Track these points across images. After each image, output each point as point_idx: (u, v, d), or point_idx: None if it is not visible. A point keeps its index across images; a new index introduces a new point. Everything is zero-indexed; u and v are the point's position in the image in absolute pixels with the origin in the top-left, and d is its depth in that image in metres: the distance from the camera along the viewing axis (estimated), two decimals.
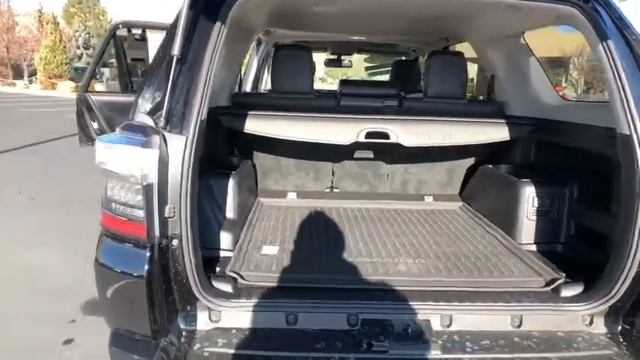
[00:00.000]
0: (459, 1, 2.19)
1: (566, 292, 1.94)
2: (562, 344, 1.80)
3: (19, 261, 3.80)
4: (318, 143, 2.65)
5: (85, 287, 3.27)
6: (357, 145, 2.70)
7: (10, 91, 29.20)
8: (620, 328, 1.84)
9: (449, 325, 1.85)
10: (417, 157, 3.07)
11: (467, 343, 1.78)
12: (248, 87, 4.31)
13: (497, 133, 2.71)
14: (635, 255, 1.67)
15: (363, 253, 2.30)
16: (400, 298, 1.88)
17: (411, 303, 1.86)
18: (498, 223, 2.67)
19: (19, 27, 36.51)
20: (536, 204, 2.46)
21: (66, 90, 27.50)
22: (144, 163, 1.49)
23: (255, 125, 2.61)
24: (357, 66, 6.04)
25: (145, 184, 1.50)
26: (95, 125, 3.73)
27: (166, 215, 1.56)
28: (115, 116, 3.77)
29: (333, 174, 3.21)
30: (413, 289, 1.95)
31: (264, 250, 2.27)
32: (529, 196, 2.47)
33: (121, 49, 3.84)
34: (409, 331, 1.78)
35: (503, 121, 2.75)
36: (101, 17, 37.74)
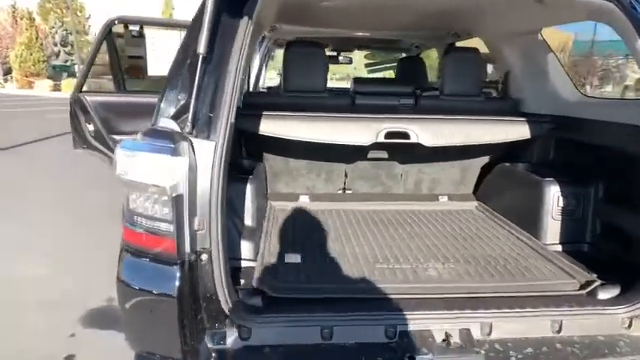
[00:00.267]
0: None
1: (604, 295, 1.88)
2: (604, 349, 1.74)
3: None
4: (331, 144, 2.55)
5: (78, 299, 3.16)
6: (371, 145, 2.61)
7: None
8: None
9: (489, 334, 1.77)
10: (431, 156, 2.99)
11: (510, 352, 1.70)
12: (251, 85, 4.17)
13: (517, 131, 2.64)
14: None
15: (389, 259, 2.20)
16: (437, 306, 1.79)
17: (449, 311, 1.77)
18: (520, 223, 2.61)
19: None
20: (561, 203, 2.40)
21: (44, 89, 26.77)
22: (173, 172, 1.36)
23: (270, 126, 2.48)
24: (356, 64, 5.94)
25: (174, 195, 1.37)
26: (90, 127, 3.55)
27: (195, 228, 1.44)
28: (111, 117, 3.60)
29: (345, 175, 3.10)
30: (449, 297, 1.86)
31: (287, 259, 2.15)
32: (554, 196, 2.41)
33: (114, 47, 3.66)
34: (451, 341, 1.69)
35: (523, 118, 2.68)
36: (79, 13, 36.79)
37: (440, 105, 2.84)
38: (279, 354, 1.63)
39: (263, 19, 2.57)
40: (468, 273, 2.08)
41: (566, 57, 20.47)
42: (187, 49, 1.58)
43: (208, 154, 1.45)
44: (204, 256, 1.46)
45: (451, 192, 3.21)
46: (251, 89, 4.18)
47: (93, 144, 3.60)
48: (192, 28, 1.61)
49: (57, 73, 32.15)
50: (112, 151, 3.69)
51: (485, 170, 3.13)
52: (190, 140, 1.43)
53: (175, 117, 1.51)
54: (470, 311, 1.78)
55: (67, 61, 34.25)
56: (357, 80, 3.20)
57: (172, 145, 1.38)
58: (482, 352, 1.67)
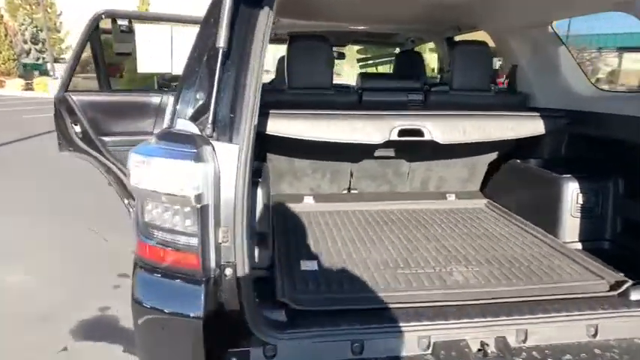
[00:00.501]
0: None
1: (637, 296, 1.82)
2: None
3: None
4: (339, 143, 2.43)
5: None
6: (380, 143, 2.50)
7: None
8: None
9: (524, 341, 1.68)
10: (439, 153, 2.90)
11: (549, 359, 1.62)
12: None
13: (532, 126, 2.57)
14: None
15: (409, 264, 2.10)
16: (470, 313, 1.70)
17: (483, 319, 1.68)
18: (535, 220, 2.55)
19: None
20: (580, 200, 2.35)
21: (15, 88, 25.78)
22: (198, 180, 1.22)
23: (277, 126, 2.35)
24: (347, 59, 5.82)
25: (199, 205, 1.23)
26: (77, 128, 3.33)
27: (220, 241, 1.30)
28: (99, 118, 3.38)
29: (351, 175, 2.99)
30: (480, 303, 1.77)
31: (304, 266, 2.03)
32: (573, 192, 2.35)
33: (100, 43, 3.44)
34: (487, 351, 1.60)
35: (537, 113, 2.61)
36: (49, 9, 35.55)
37: (449, 100, 2.76)
38: None
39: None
40: (493, 276, 2.00)
41: None
42: (203, 43, 1.43)
43: (232, 158, 1.31)
44: (228, 271, 1.33)
45: (458, 190, 3.14)
46: None
47: (80, 146, 3.38)
48: (208, 21, 1.47)
49: (28, 71, 31.01)
50: (101, 153, 3.50)
51: (492, 167, 3.06)
52: (212, 144, 1.29)
53: (194, 118, 1.36)
54: (504, 318, 1.69)
55: (38, 59, 33.09)
56: (364, 76, 3.08)
57: (195, 150, 1.23)
58: None
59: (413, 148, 2.80)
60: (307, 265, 2.03)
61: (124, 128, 3.46)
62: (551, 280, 1.96)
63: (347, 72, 10.45)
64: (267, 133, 2.40)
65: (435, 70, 5.09)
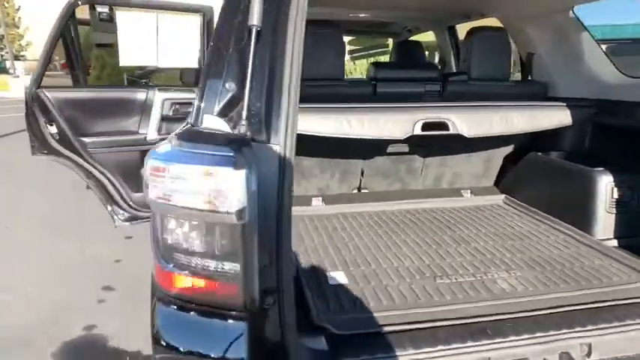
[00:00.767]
0: None
1: None
2: None
3: None
4: (350, 139, 2.21)
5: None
6: (398, 139, 2.29)
7: None
8: None
9: (588, 354, 1.51)
10: (454, 148, 2.72)
11: None
12: None
13: (560, 117, 2.41)
14: None
15: (446, 271, 1.90)
16: (530, 328, 1.51)
17: (543, 333, 1.49)
18: (564, 217, 2.39)
19: None
20: (616, 195, 2.20)
21: None
22: (239, 191, 0.97)
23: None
24: None
25: (241, 222, 0.98)
26: (53, 129, 2.98)
27: (265, 264, 1.05)
28: (78, 116, 3.05)
29: (362, 173, 2.77)
30: (536, 314, 1.59)
31: (331, 280, 1.79)
32: (607, 186, 2.20)
33: (77, 33, 3.09)
34: None
35: (563, 104, 2.45)
36: (7, 4, 33.77)
37: (468, 90, 2.57)
38: None
39: None
40: (538, 281, 1.82)
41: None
42: (230, 22, 1.17)
43: (272, 163, 1.07)
44: (269, 299, 1.08)
45: (473, 185, 2.96)
46: None
47: (56, 148, 3.03)
48: None
49: None
50: (81, 155, 3.16)
51: (508, 161, 2.91)
52: (252, 145, 1.04)
53: (222, 114, 1.11)
54: (566, 330, 1.51)
55: None
56: (378, 65, 2.86)
57: (233, 154, 0.98)
58: None
59: (428, 143, 2.61)
60: (335, 279, 1.80)
61: (106, 128, 3.13)
62: (600, 284, 1.80)
63: None
64: None
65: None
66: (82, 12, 3.07)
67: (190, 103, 3.40)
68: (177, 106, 3.28)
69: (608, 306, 1.64)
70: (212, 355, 1.01)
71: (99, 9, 2.83)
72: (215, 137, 1.04)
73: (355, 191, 2.85)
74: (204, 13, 3.18)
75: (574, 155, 2.57)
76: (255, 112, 1.10)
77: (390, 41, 4.93)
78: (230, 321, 1.01)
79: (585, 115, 2.48)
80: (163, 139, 3.20)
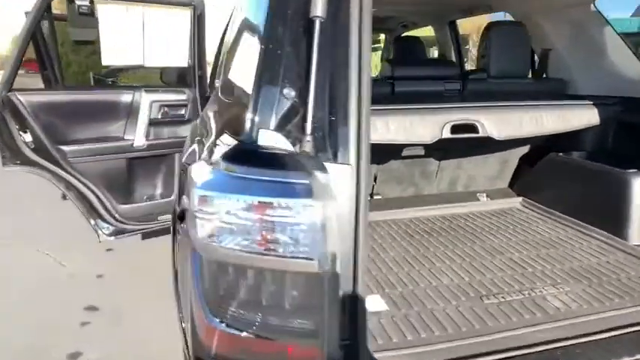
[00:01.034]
0: None
1: None
2: None
3: None
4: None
5: None
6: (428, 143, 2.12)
7: None
8: None
9: None
10: (472, 149, 2.57)
11: None
12: None
13: (588, 116, 2.29)
14: None
15: (490, 289, 1.73)
16: (601, 354, 1.36)
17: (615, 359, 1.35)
18: (593, 221, 2.27)
19: None
20: None
21: None
22: (319, 230, 0.75)
23: None
24: None
25: (322, 271, 0.76)
26: (27, 137, 2.65)
27: (346, 321, 0.84)
28: (56, 122, 2.73)
29: (375, 179, 2.58)
30: (602, 337, 1.44)
31: (372, 306, 1.59)
32: None
33: (53, 29, 2.76)
34: None
35: (589, 102, 2.33)
36: None
37: (489, 88, 2.43)
38: None
39: None
40: (590, 296, 1.68)
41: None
42: (284, 15, 0.94)
43: (345, 188, 0.85)
44: (348, 356, 0.87)
45: (487, 188, 2.82)
46: None
47: (31, 159, 2.71)
48: None
49: None
50: (60, 165, 2.84)
51: (523, 162, 2.78)
52: (326, 167, 0.82)
53: (279, 127, 0.89)
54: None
55: None
56: (396, 63, 2.66)
57: (308, 181, 0.76)
58: None
59: (446, 145, 2.45)
60: (373, 304, 1.60)
61: (87, 134, 2.83)
62: None
63: None
64: None
65: None
66: (57, 7, 2.75)
67: (180, 105, 3.14)
68: (166, 109, 3.01)
69: None
70: None
71: (78, 2, 2.52)
72: (280, 158, 0.82)
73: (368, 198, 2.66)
74: (195, 6, 2.91)
75: (597, 155, 2.46)
76: (318, 123, 0.89)
77: (382, 37, 4.76)
78: None
79: (610, 114, 2.37)
80: (152, 145, 2.90)
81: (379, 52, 5.01)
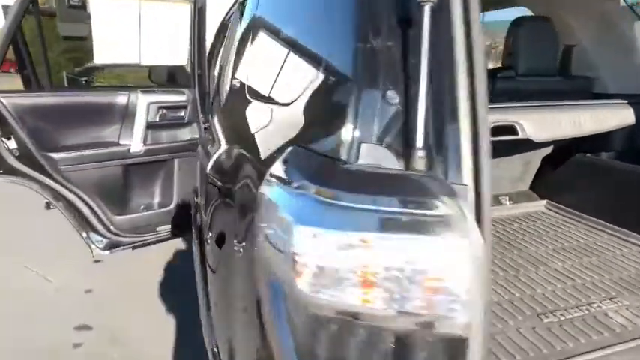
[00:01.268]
0: None
1: None
2: None
3: None
4: None
5: None
6: None
7: None
8: None
9: None
10: (499, 150, 2.44)
11: None
12: None
13: (623, 115, 2.18)
14: None
15: (546, 305, 1.60)
16: None
17: None
18: (627, 225, 2.17)
19: None
20: None
21: None
22: (468, 275, 0.58)
23: None
24: None
25: (467, 336, 0.59)
26: (11, 143, 2.39)
27: None
28: (44, 127, 2.47)
29: None
30: None
31: None
32: None
33: (40, 24, 2.49)
34: None
35: (624, 101, 2.23)
36: None
37: (517, 87, 2.30)
38: None
39: None
40: None
41: None
42: (381, 2, 0.76)
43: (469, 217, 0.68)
44: None
45: (509, 191, 2.70)
46: None
47: (15, 168, 2.44)
48: None
49: None
50: (49, 174, 2.57)
51: (546, 163, 2.67)
52: (455, 192, 0.65)
53: (380, 139, 0.71)
54: None
55: None
56: None
57: (452, 212, 0.59)
58: None
59: None
60: None
61: (79, 140, 2.57)
62: None
63: None
64: None
65: None
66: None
67: (179, 107, 2.90)
68: (164, 111, 2.78)
69: None
70: None
71: None
72: (399, 181, 0.64)
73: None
74: (195, 0, 2.69)
75: (625, 156, 2.36)
76: (430, 133, 0.71)
77: None
78: None
79: None
80: (150, 151, 2.65)
81: None
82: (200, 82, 2.86)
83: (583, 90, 2.45)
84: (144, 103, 2.64)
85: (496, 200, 2.63)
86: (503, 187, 2.69)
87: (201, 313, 1.76)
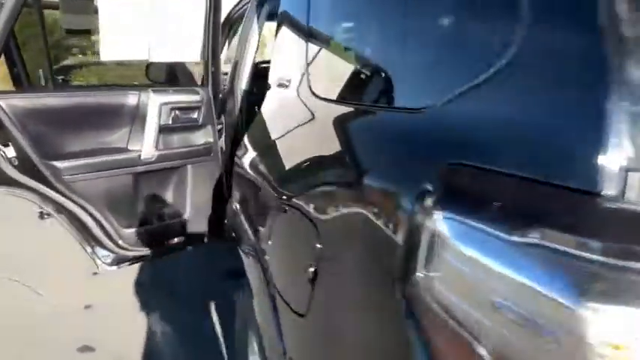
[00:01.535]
0: None
1: None
2: None
3: None
4: None
5: None
6: None
7: None
8: None
9: None
10: None
11: None
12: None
13: None
14: None
15: None
16: None
17: None
18: None
19: None
20: None
21: None
22: None
23: None
24: None
25: None
26: (10, 151, 2.11)
27: None
28: (46, 133, 2.20)
29: None
30: None
31: None
32: None
33: (42, 17, 2.21)
34: None
35: None
36: None
37: None
38: None
39: None
40: None
41: None
42: None
43: None
44: None
45: None
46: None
47: (14, 178, 2.17)
48: None
49: None
50: (51, 186, 2.30)
51: None
52: None
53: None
54: None
55: None
56: None
57: None
58: None
59: None
60: None
61: (85, 146, 2.31)
62: None
63: None
64: None
65: None
66: None
67: (193, 108, 2.66)
68: (177, 112, 2.54)
69: None
70: None
71: None
72: None
73: None
74: None
75: None
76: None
77: None
78: None
79: None
80: (163, 156, 2.40)
81: None
82: (214, 80, 2.63)
83: None
84: (156, 104, 2.40)
85: None
86: None
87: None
